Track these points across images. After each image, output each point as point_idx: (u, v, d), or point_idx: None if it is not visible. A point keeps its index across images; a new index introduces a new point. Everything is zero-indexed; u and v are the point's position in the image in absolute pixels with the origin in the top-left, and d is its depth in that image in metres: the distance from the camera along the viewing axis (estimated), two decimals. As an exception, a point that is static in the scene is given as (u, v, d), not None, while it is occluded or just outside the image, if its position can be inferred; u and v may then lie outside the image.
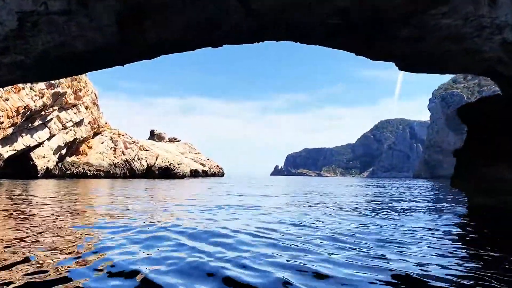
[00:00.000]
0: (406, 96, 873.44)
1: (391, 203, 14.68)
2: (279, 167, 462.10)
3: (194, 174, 74.20)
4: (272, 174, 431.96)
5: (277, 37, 10.00)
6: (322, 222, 8.87)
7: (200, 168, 78.77)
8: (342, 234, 7.15)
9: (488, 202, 10.18)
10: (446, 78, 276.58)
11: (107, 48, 8.27)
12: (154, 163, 58.95)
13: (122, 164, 55.44)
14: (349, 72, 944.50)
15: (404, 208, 12.37)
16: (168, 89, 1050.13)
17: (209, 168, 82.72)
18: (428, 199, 18.64)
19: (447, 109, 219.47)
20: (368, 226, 8.28)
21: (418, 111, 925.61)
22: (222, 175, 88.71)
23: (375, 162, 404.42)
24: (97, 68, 9.80)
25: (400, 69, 10.49)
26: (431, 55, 9.23)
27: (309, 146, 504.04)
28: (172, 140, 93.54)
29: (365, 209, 11.93)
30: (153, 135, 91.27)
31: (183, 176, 61.11)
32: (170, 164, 60.36)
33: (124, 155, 56.68)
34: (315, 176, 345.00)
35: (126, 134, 61.50)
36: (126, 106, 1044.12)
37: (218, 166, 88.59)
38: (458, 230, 8.36)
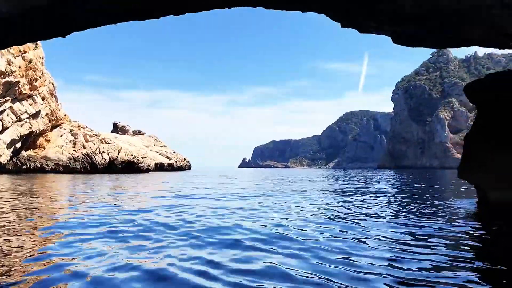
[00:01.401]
0: (370, 89, 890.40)
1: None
2: (247, 160, 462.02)
3: (160, 167, 71.85)
4: (240, 166, 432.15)
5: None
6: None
7: (165, 161, 76.43)
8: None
9: (507, 196, 8.53)
10: (409, 70, 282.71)
11: (39, 11, 6.55)
12: (117, 157, 56.34)
13: (82, 158, 52.62)
14: (315, 66, 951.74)
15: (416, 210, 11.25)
16: (134, 82, 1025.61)
17: (175, 162, 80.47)
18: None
19: (410, 100, 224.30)
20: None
21: (382, 103, 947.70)
22: (189, 168, 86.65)
23: (340, 153, 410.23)
24: (31, 39, 7.99)
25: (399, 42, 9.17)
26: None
27: (276, 139, 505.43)
28: (137, 133, 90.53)
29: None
30: (116, 128, 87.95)
31: (147, 170, 58.89)
32: (133, 158, 57.90)
33: (84, 148, 53.85)
34: (282, 168, 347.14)
35: (86, 127, 58.50)
36: (91, 99, 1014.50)
37: (184, 159, 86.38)
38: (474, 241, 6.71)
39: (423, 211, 9.14)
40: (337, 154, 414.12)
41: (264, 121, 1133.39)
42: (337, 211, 9.59)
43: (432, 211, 9.06)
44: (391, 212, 9.18)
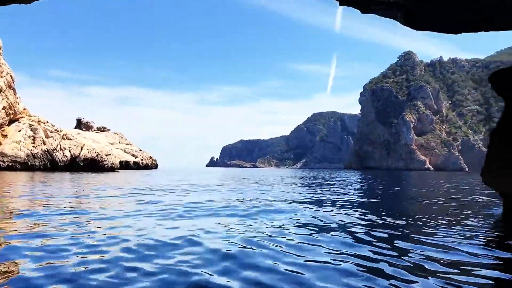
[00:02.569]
0: (338, 91, 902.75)
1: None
2: (215, 159, 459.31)
3: (125, 166, 69.48)
4: (208, 165, 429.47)
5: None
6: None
7: (131, 159, 74.07)
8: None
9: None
10: (376, 73, 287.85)
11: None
12: (79, 154, 53.82)
13: (42, 154, 49.92)
14: (286, 66, 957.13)
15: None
16: (103, 79, 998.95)
17: (141, 160, 78.15)
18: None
19: (377, 102, 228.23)
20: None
21: (350, 105, 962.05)
22: (155, 167, 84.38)
23: (308, 154, 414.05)
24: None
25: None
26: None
27: (245, 138, 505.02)
28: (101, 129, 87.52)
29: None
30: (80, 124, 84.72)
31: (112, 169, 56.60)
32: (97, 155, 55.46)
33: (44, 144, 51.11)
34: (250, 167, 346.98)
35: (47, 122, 55.62)
36: (57, 95, 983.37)
37: (151, 158, 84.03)
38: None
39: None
40: (304, 155, 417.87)
41: (234, 121, 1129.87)
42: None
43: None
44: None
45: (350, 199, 13.64)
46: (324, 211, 9.47)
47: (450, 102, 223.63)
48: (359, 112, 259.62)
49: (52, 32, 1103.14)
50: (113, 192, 15.60)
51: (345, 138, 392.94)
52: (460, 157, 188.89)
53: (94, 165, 53.29)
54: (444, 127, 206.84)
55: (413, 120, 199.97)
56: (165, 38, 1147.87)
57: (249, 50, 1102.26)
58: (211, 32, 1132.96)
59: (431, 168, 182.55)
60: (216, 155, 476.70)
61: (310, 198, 13.72)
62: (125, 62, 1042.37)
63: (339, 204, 11.49)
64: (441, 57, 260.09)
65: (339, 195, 15.78)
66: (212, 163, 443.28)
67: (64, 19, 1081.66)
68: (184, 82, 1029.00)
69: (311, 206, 10.72)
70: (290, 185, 24.17)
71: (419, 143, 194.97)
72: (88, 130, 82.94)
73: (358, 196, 15.69)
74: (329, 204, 11.41)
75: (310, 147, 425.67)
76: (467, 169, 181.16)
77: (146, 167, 78.26)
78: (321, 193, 16.80)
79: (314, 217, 8.41)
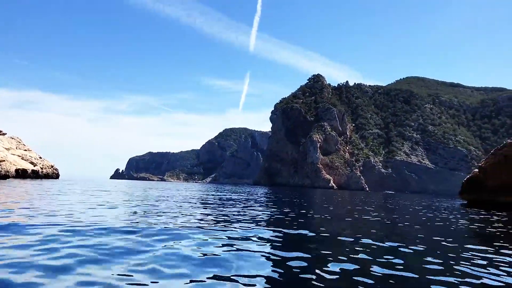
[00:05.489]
0: (250, 108, 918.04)
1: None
2: (120, 171, 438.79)
3: (22, 174, 63.36)
4: (112, 177, 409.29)
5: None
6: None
7: (29, 167, 67.74)
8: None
9: None
10: (287, 93, 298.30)
11: None
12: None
13: None
14: (200, 80, 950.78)
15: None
16: (2, 81, 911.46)
17: (41, 168, 71.85)
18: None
19: (287, 121, 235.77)
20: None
21: (261, 122, 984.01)
22: (56, 176, 78.03)
23: (218, 169, 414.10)
24: None
25: None
26: None
27: (153, 150, 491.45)
28: (-6, 133, 79.20)
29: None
30: (-32, 126, 75.93)
31: (5, 177, 51.24)
32: (-13, 161, 49.93)
33: None
34: (158, 180, 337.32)
35: None
36: None
37: (52, 167, 77.62)
38: None
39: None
40: (215, 169, 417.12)
41: (143, 131, 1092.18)
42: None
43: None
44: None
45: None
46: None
47: (353, 124, 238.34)
48: (269, 129, 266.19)
49: None
50: None
51: (255, 155, 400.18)
52: (362, 177, 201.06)
53: (-18, 172, 47.88)
54: (347, 148, 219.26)
55: (319, 140, 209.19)
56: (70, 40, 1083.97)
57: (163, 60, 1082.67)
58: (122, 37, 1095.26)
59: (335, 186, 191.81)
60: (122, 167, 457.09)
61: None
62: (26, 64, 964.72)
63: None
64: (347, 81, 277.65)
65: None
66: (117, 175, 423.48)
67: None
68: (91, 88, 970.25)
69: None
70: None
71: (325, 162, 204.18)
72: (-23, 133, 74.62)
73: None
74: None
75: (220, 162, 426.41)
76: (367, 188, 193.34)
77: (47, 176, 72.13)
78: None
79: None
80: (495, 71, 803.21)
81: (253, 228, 10.30)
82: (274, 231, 9.95)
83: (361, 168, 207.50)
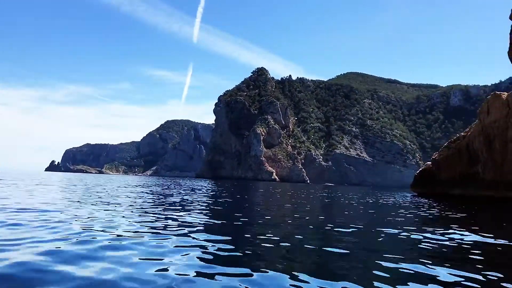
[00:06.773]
0: (193, 100, 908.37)
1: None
2: (56, 163, 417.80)
3: None
4: (48, 170, 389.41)
5: None
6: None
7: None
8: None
9: None
10: (231, 85, 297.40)
11: None
12: None
13: None
14: (139, 70, 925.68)
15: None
16: None
17: (-36, 159, 66.11)
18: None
19: (231, 114, 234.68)
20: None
21: (204, 115, 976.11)
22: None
23: (160, 161, 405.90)
24: None
25: None
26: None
27: (91, 142, 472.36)
28: None
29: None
30: None
31: None
32: None
33: None
34: (96, 173, 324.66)
35: None
36: None
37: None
38: None
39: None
40: (156, 162, 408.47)
41: (79, 122, 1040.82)
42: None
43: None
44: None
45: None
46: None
47: (296, 118, 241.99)
48: (212, 122, 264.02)
49: None
50: None
51: (197, 147, 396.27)
52: (303, 169, 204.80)
53: None
54: (290, 141, 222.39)
55: (263, 133, 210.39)
56: (2, 28, 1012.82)
57: (100, 48, 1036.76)
58: (58, 23, 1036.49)
59: (277, 179, 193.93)
60: (58, 159, 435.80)
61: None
62: None
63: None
64: (290, 76, 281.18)
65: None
66: (52, 167, 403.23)
67: None
68: (23, 76, 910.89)
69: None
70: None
71: (268, 155, 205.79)
72: None
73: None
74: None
75: (162, 154, 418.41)
76: (308, 181, 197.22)
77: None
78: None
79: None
80: (429, 69, 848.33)
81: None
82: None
83: (303, 161, 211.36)
